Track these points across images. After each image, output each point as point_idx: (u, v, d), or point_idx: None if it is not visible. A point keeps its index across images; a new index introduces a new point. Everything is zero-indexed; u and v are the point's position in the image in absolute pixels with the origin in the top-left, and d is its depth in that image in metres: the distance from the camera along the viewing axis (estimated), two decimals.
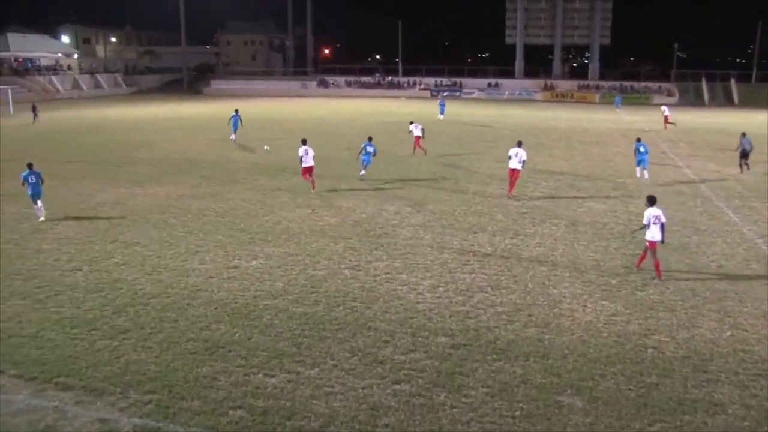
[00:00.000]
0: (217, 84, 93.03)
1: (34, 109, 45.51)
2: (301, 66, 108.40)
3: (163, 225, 16.69)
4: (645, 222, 12.91)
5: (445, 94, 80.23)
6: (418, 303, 11.47)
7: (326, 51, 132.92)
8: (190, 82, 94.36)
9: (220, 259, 13.88)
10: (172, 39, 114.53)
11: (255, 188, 21.48)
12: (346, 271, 13.18)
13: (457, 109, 59.73)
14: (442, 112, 49.04)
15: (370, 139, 23.91)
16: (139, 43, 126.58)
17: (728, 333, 10.33)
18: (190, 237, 15.55)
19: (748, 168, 25.03)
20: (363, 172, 23.16)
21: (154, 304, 11.29)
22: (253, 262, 13.65)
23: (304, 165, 20.77)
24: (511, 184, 20.39)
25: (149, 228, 16.37)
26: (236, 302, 11.41)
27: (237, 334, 10.07)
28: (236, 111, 34.14)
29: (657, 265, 12.84)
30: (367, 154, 23.08)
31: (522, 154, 20.15)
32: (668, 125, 42.83)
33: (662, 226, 12.75)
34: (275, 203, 19.27)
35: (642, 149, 23.83)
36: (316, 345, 9.73)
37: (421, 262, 13.79)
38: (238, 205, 19.03)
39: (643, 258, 13.22)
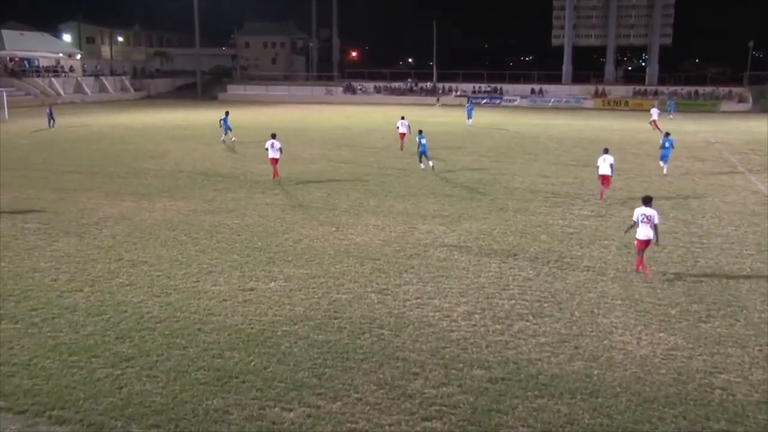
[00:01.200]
0: (233, 89, 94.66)
1: (50, 114, 47.04)
2: (326, 70, 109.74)
3: (173, 242, 16.98)
4: (634, 219, 14.43)
5: (483, 101, 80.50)
6: (451, 331, 11.46)
7: (353, 54, 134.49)
8: (205, 87, 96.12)
9: (235, 280, 14.06)
10: (185, 40, 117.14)
11: (274, 203, 21.75)
12: (373, 295, 13.24)
13: (497, 118, 59.88)
14: (469, 117, 51.37)
15: (420, 132, 28.70)
16: (149, 44, 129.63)
17: None
18: (202, 256, 15.79)
19: None
20: (431, 163, 28.17)
21: (162, 329, 11.47)
22: (271, 285, 13.80)
23: (269, 156, 25.60)
24: (605, 187, 23.05)
25: (158, 245, 16.67)
26: (252, 328, 11.53)
27: (252, 363, 10.18)
28: (227, 113, 38.24)
29: (641, 263, 14.41)
30: (423, 146, 27.92)
31: (610, 158, 22.83)
32: (656, 127, 46.47)
33: (655, 226, 14.13)
34: (296, 220, 19.48)
35: (667, 144, 27.82)
36: (338, 376, 9.78)
37: (456, 286, 13.79)
38: (256, 221, 19.27)
39: (642, 262, 14.46)
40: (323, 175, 27.39)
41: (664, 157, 28.10)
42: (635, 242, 14.47)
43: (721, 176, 28.21)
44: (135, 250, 16.26)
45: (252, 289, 13.47)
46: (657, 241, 14.24)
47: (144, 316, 12.01)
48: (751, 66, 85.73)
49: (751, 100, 76.85)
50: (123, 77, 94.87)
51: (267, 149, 25.56)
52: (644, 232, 14.14)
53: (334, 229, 18.46)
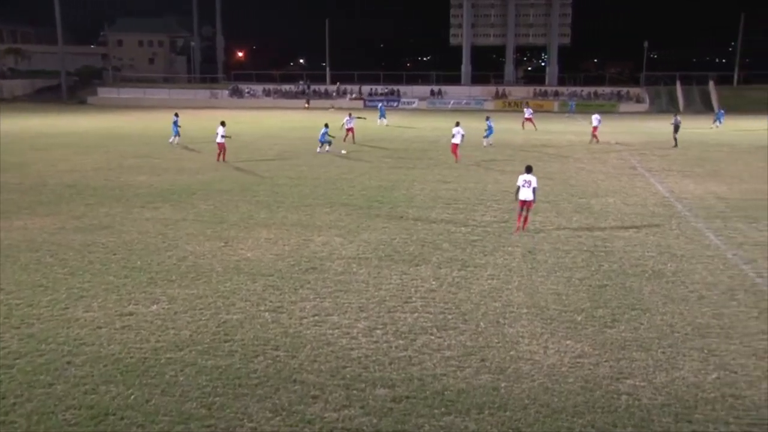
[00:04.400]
0: (105, 92, 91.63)
1: None
2: (210, 72, 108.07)
3: (37, 265, 16.14)
4: (518, 184, 18.80)
5: (379, 105, 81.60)
6: (352, 349, 11.47)
7: (240, 54, 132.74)
8: (71, 90, 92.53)
9: (111, 304, 13.52)
10: (45, 36, 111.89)
11: (155, 218, 21.12)
12: (266, 314, 13.07)
13: (395, 121, 60.73)
14: (382, 116, 58.70)
15: (326, 125, 37.22)
16: (0, 40, 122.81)
17: (714, 375, 10.64)
18: (72, 279, 15.10)
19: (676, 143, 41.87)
20: (327, 148, 36.85)
21: (22, 365, 10.80)
22: (153, 307, 13.37)
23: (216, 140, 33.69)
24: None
25: (17, 270, 15.78)
26: (131, 357, 11.11)
27: (132, 397, 9.80)
28: (176, 115, 42.54)
29: (525, 219, 19.20)
30: (323, 135, 36.62)
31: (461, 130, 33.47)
32: (532, 125, 54.33)
33: (534, 189, 18.65)
34: (180, 235, 18.99)
35: (492, 125, 41.63)
36: (230, 404, 9.58)
37: (355, 301, 13.82)
38: (135, 238, 18.65)
39: (522, 219, 19.13)
40: (210, 185, 26.85)
41: (488, 135, 41.47)
42: (519, 203, 18.93)
43: (622, 178, 29.73)
44: None
45: (131, 314, 13.00)
46: (534, 200, 19.01)
47: None
48: (647, 66, 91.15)
49: (647, 100, 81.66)
50: None
51: (217, 134, 33.88)
52: (524, 194, 18.65)
53: (222, 244, 18.13)
